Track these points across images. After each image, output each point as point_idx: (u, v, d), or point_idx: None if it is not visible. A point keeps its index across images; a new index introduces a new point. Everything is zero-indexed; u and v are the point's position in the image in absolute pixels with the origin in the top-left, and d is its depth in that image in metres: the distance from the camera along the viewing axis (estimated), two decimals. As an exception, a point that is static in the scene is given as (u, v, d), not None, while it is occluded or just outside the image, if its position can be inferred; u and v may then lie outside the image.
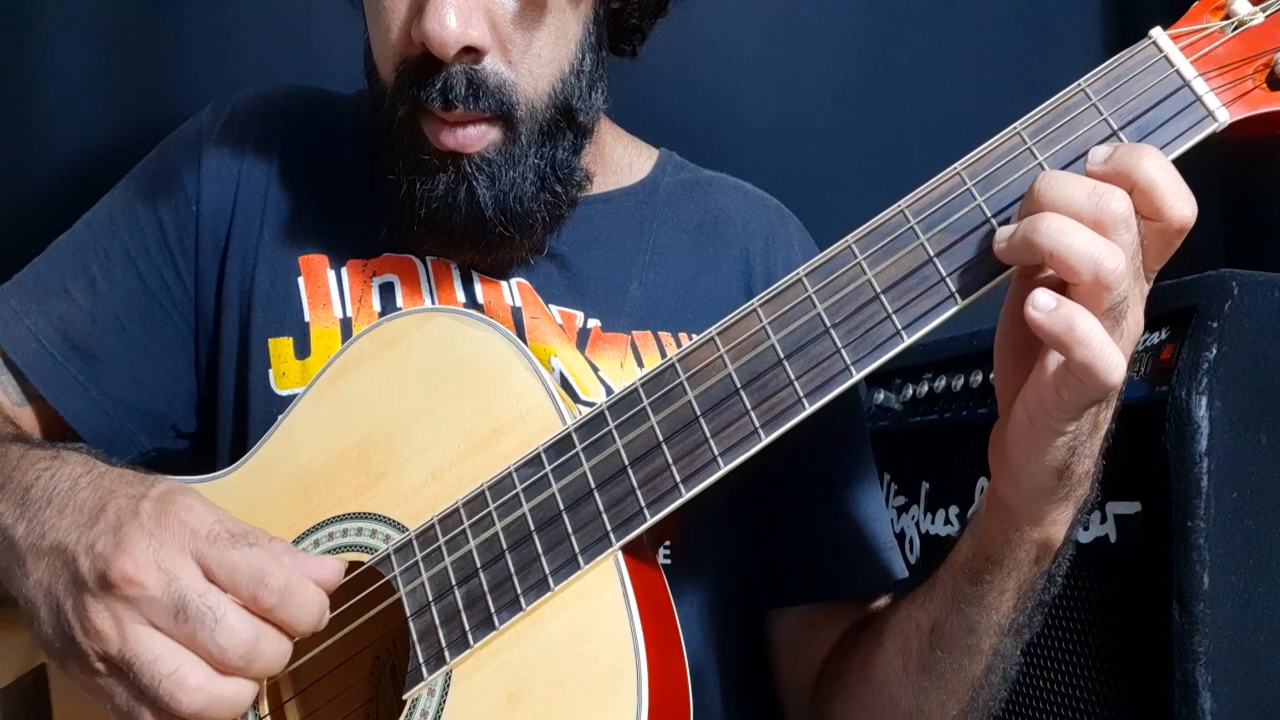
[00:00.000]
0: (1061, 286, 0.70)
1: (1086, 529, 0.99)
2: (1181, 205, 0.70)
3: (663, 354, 1.00)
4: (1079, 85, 0.75)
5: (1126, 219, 0.69)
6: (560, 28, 0.92)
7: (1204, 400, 0.91)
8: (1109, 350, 0.68)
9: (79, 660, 0.73)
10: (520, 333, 0.98)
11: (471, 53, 0.88)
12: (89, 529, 0.73)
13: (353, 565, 0.84)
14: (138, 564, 0.70)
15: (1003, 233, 0.72)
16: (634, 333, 1.01)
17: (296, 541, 0.86)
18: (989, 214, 0.75)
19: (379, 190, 0.99)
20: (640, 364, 1.00)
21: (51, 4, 1.40)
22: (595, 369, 0.98)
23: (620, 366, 0.99)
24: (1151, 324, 0.98)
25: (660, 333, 1.02)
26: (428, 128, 0.91)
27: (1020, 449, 0.77)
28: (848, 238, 0.78)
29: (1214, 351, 0.92)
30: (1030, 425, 0.75)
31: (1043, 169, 0.74)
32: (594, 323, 1.01)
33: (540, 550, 0.78)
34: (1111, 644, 0.98)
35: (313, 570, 0.75)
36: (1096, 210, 0.68)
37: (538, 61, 0.91)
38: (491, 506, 0.81)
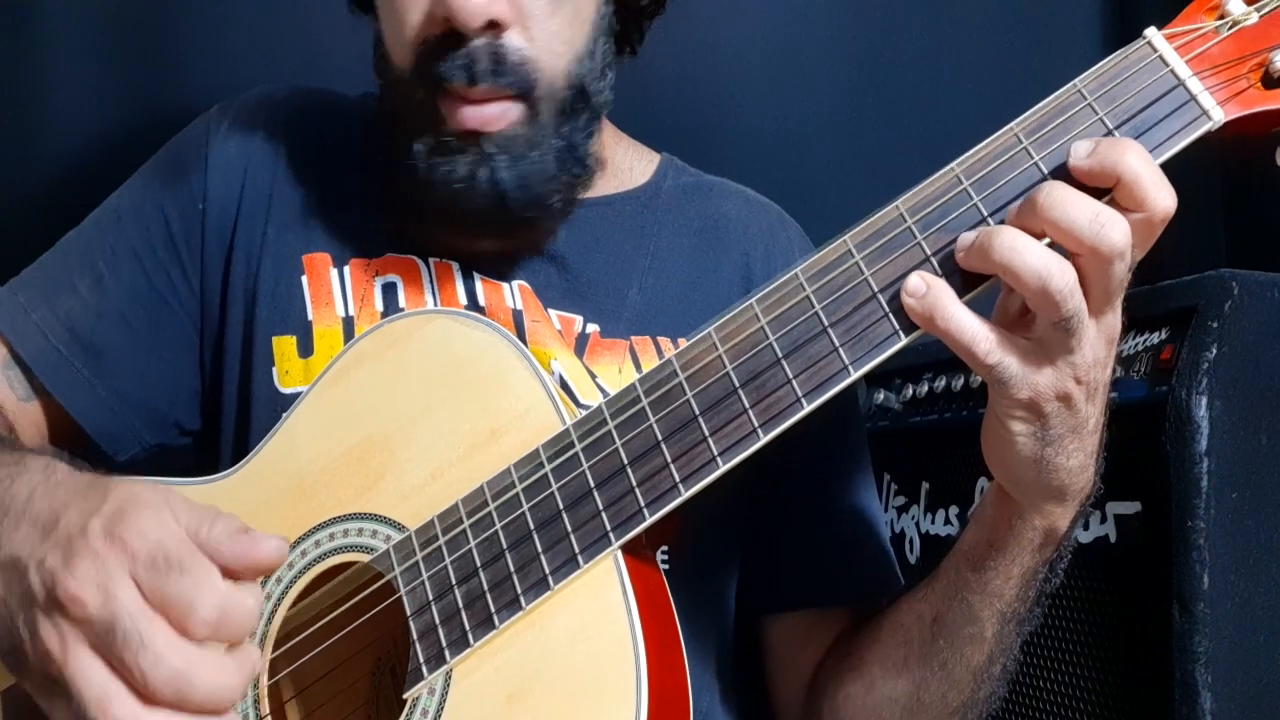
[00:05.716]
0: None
1: (1086, 529, 0.99)
2: (1164, 196, 0.71)
3: (661, 358, 1.00)
4: (1074, 85, 0.75)
5: (1123, 251, 0.70)
6: (576, 6, 0.93)
7: (1204, 400, 0.91)
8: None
9: (27, 675, 0.70)
10: (521, 335, 0.98)
11: (494, 27, 0.89)
12: (41, 543, 0.71)
13: (352, 565, 0.85)
14: (80, 583, 0.67)
15: (964, 239, 0.74)
16: (633, 338, 1.02)
17: (297, 543, 0.87)
18: (985, 213, 0.75)
19: (383, 189, 1.00)
20: (638, 369, 1.00)
21: (51, 4, 1.40)
22: (593, 375, 0.98)
23: (619, 372, 1.00)
24: (1151, 324, 0.98)
25: (659, 338, 1.02)
26: (447, 108, 0.91)
27: (988, 437, 0.80)
28: (845, 237, 0.78)
29: (1214, 351, 0.92)
30: (991, 411, 0.77)
31: (1039, 169, 0.74)
32: (593, 328, 1.01)
33: (540, 549, 0.79)
34: (1112, 644, 0.98)
35: (250, 553, 0.70)
36: (1095, 239, 0.69)
37: (556, 39, 0.92)
38: (491, 506, 0.81)
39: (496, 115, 0.91)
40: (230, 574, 0.69)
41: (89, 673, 0.66)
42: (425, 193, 0.93)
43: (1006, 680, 0.89)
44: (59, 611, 0.68)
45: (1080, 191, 0.71)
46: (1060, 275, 0.69)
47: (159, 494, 0.72)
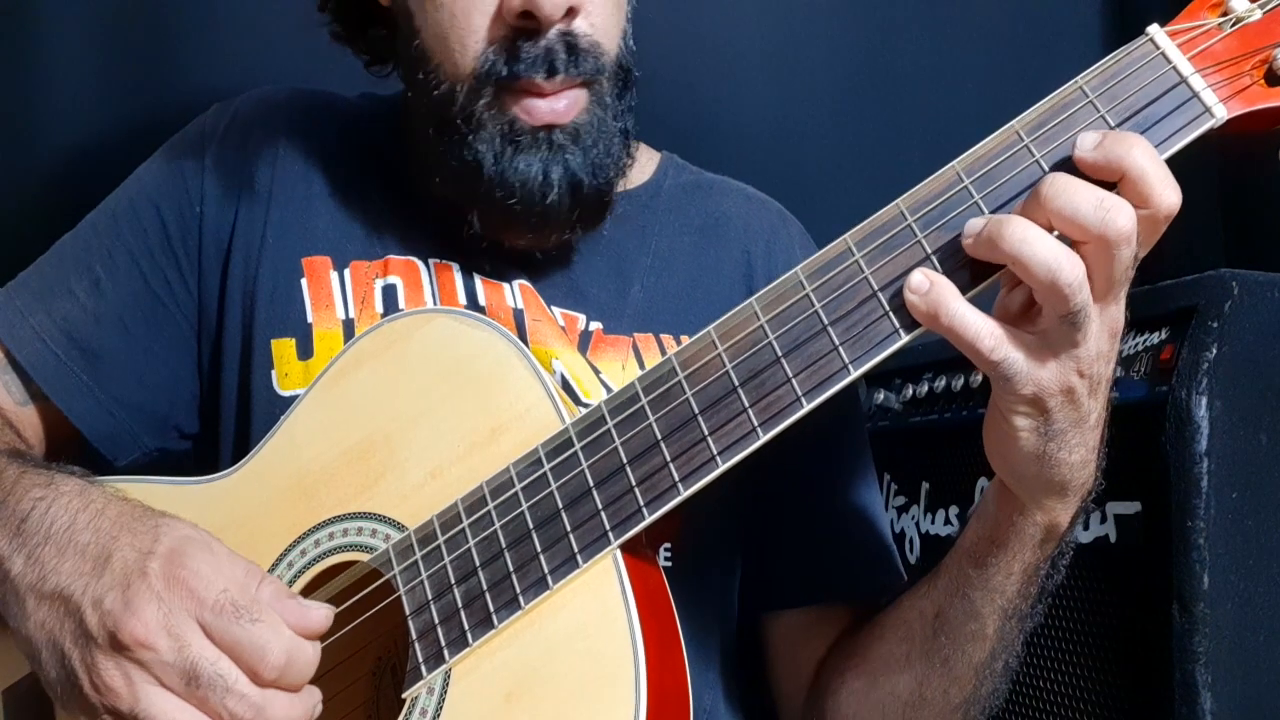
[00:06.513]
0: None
1: (1087, 529, 0.99)
2: (1170, 193, 0.71)
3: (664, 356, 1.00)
4: (1076, 82, 0.75)
5: (1129, 237, 0.70)
6: None
7: (1204, 400, 0.91)
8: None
9: (83, 708, 0.73)
10: (522, 335, 0.98)
11: (570, 15, 0.89)
12: (94, 579, 0.73)
13: (352, 564, 0.85)
14: (148, 628, 0.71)
15: (972, 226, 0.73)
16: (635, 335, 1.02)
17: (297, 542, 0.87)
18: (986, 211, 0.74)
19: (388, 191, 1.00)
20: (641, 366, 1.00)
21: (51, 4, 1.40)
22: (596, 371, 0.98)
23: (622, 369, 1.00)
24: (1151, 324, 0.98)
25: (662, 335, 1.02)
26: (516, 106, 0.91)
27: (990, 433, 0.79)
28: (845, 236, 0.78)
29: (1214, 351, 0.92)
30: (994, 406, 0.77)
31: (1040, 166, 0.74)
32: (596, 325, 1.01)
33: (539, 549, 0.79)
34: (1112, 644, 0.98)
35: (301, 621, 0.76)
36: (1101, 225, 0.69)
37: (612, 20, 0.93)
38: (490, 505, 0.81)
39: (569, 105, 0.91)
40: None
41: (169, 710, 0.71)
42: (492, 194, 0.92)
43: (1009, 677, 0.89)
44: (122, 652, 0.71)
45: (1084, 180, 0.71)
46: (1070, 268, 0.69)
47: (205, 535, 0.76)
